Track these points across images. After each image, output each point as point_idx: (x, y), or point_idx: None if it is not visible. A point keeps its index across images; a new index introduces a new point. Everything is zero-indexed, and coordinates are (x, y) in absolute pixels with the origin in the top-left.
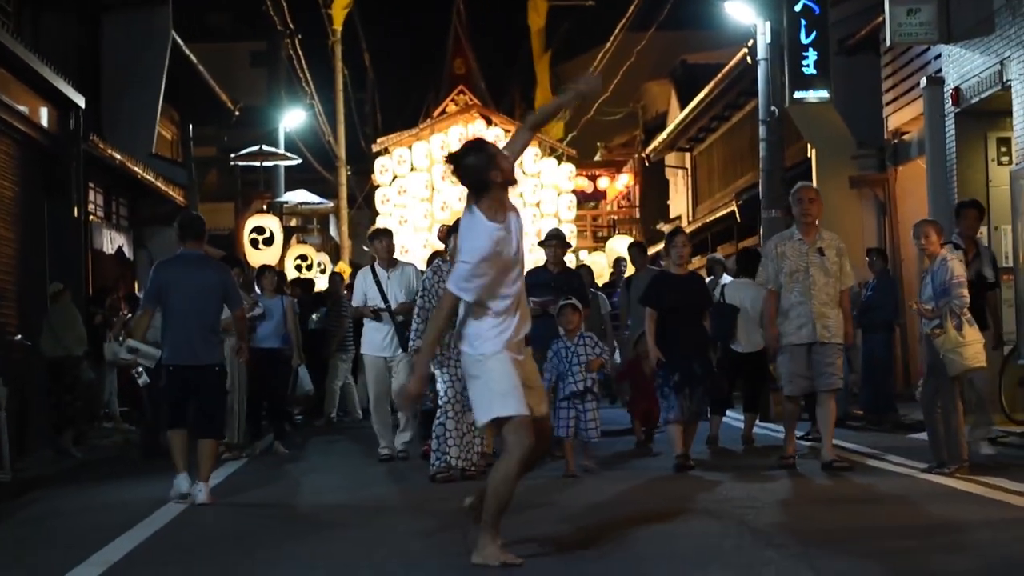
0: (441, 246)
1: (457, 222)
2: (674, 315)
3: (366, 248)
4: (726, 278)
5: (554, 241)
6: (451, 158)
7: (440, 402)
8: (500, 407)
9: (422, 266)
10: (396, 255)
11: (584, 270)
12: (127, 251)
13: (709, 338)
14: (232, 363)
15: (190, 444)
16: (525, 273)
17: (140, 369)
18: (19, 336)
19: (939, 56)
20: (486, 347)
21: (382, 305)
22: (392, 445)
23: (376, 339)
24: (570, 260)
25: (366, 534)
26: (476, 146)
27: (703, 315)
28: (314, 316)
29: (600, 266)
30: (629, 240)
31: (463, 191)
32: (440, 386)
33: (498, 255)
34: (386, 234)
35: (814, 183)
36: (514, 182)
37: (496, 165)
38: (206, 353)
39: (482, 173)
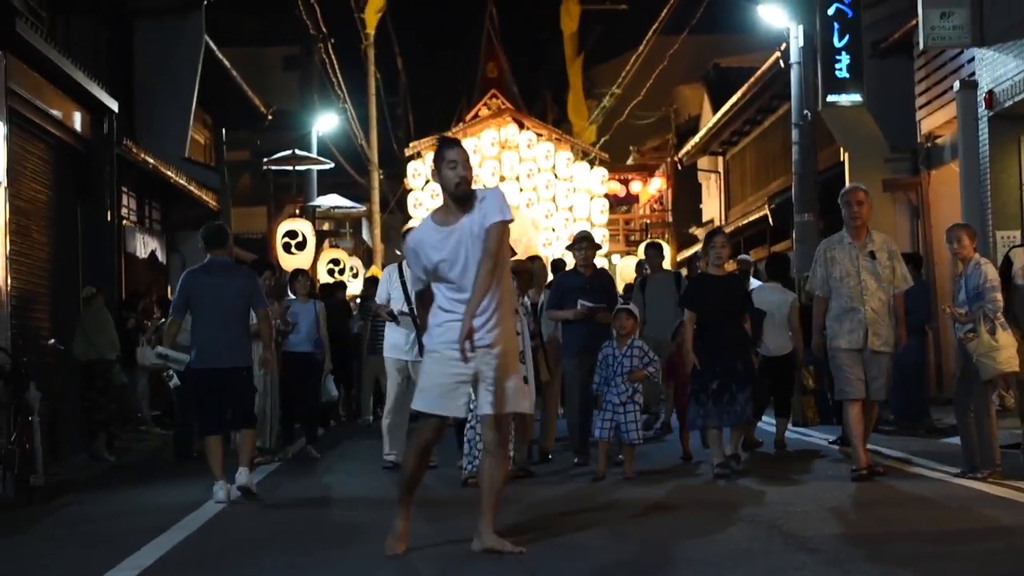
0: None
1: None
2: (714, 317)
3: (398, 252)
4: (754, 282)
5: (584, 243)
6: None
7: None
8: (417, 401)
9: None
10: None
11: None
12: (160, 255)
13: (750, 340)
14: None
15: (226, 447)
16: (558, 277)
17: (171, 372)
18: (52, 340)
19: (972, 59)
20: (429, 342)
21: (405, 307)
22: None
23: (399, 342)
24: (601, 265)
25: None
26: (446, 143)
27: (743, 317)
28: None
29: (632, 270)
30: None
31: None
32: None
33: (431, 253)
34: None
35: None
36: (465, 194)
37: (454, 171)
38: (233, 356)
39: (437, 172)
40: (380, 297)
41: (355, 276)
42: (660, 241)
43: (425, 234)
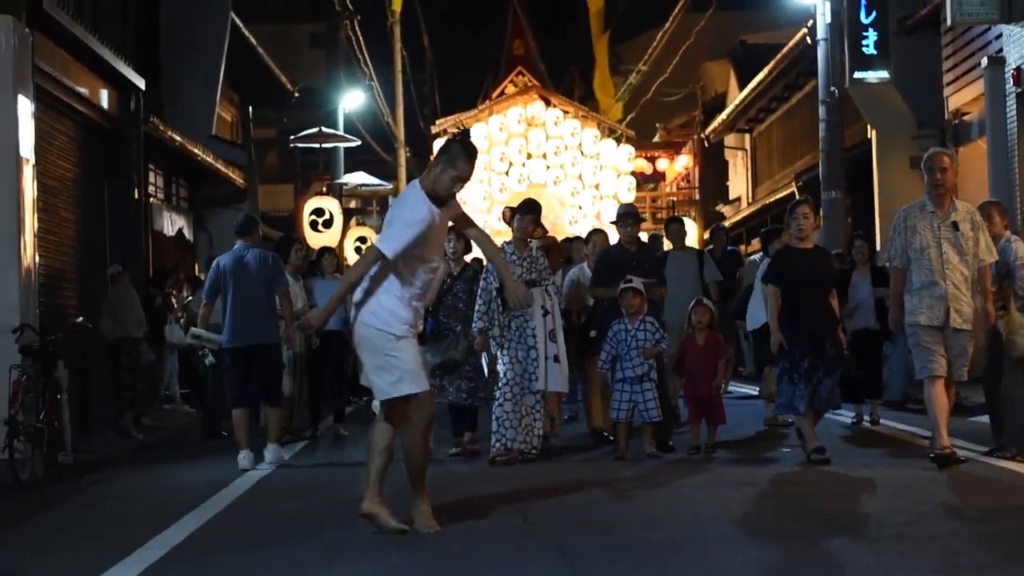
0: (503, 228)
1: (524, 203)
2: (799, 293)
3: None
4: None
5: (629, 220)
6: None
7: (499, 384)
8: (412, 385)
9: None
10: None
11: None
12: (187, 233)
13: (838, 318)
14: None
15: (255, 423)
16: (601, 253)
17: (206, 351)
18: (80, 318)
19: (1000, 36)
20: (399, 328)
21: None
22: None
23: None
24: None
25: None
26: (465, 142)
27: (831, 292)
28: None
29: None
30: (689, 222)
31: (525, 173)
32: (500, 367)
33: (430, 230)
34: None
35: (874, 164)
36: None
37: (462, 170)
38: (261, 333)
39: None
40: None
41: None
42: (682, 217)
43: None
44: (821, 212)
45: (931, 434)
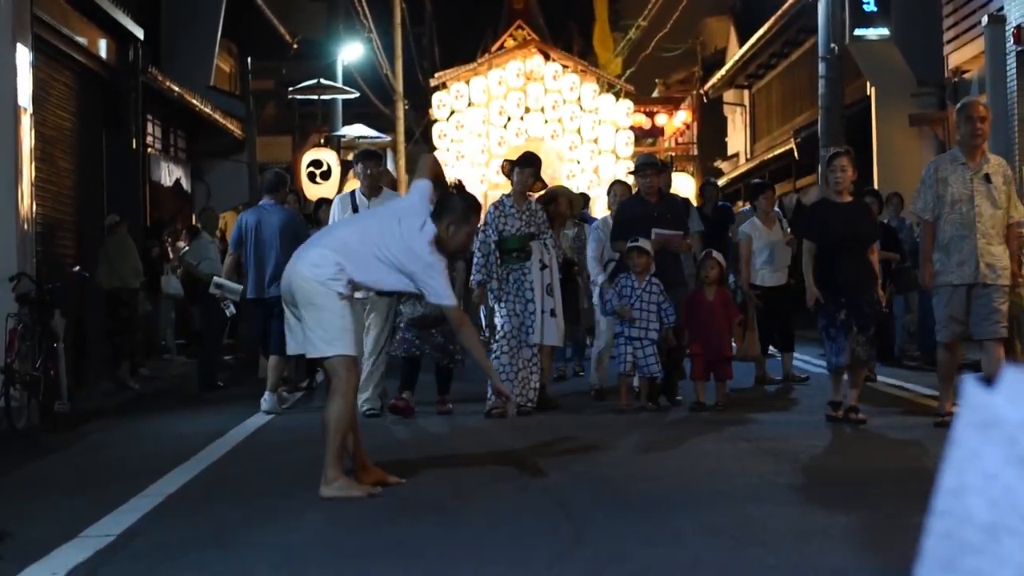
0: (501, 180)
1: (524, 156)
2: (838, 248)
3: None
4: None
5: (648, 169)
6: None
7: (496, 337)
8: (350, 345)
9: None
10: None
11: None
12: (185, 183)
13: (875, 274)
14: None
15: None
16: (621, 206)
17: (228, 301)
18: (77, 268)
19: None
20: (339, 287)
21: None
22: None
23: None
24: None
25: (419, 470)
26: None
27: (870, 248)
28: None
29: None
30: (687, 177)
31: (523, 127)
32: (497, 320)
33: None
34: (374, 157)
35: (873, 121)
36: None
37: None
38: (278, 286)
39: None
40: None
41: None
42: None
43: None
44: (820, 169)
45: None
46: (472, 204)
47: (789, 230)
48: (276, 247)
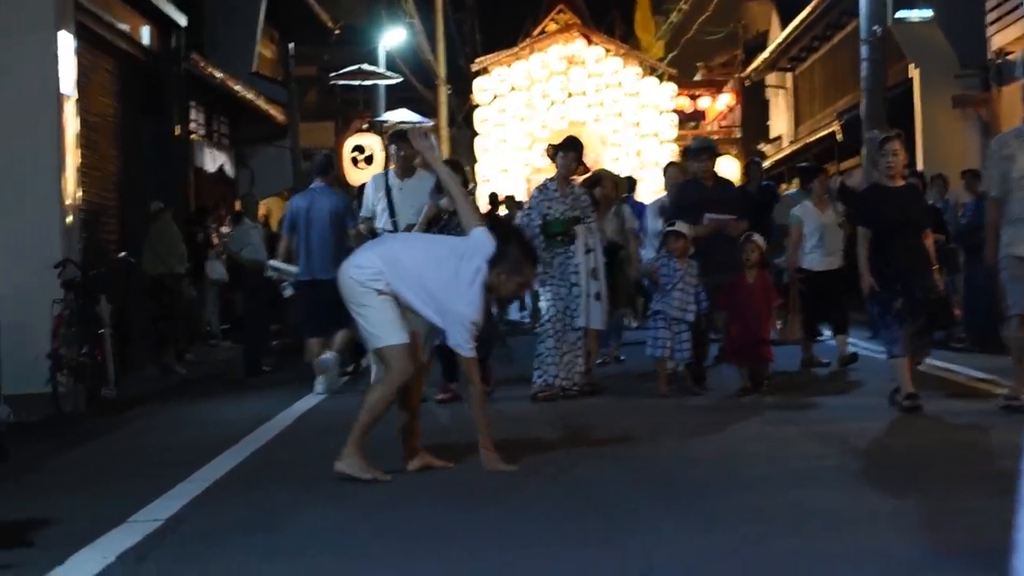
0: (545, 164)
1: (567, 140)
2: (891, 233)
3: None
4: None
5: (704, 154)
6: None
7: (541, 320)
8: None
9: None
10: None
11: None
12: (228, 170)
13: (931, 258)
14: None
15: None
16: (677, 189)
17: (286, 284)
18: (122, 253)
19: None
20: (379, 286)
21: (387, 224)
22: None
23: None
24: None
25: (463, 455)
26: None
27: (924, 232)
28: None
29: None
30: (730, 160)
31: (566, 111)
32: (542, 304)
33: None
34: (407, 138)
35: (917, 103)
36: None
37: (528, 275)
38: (332, 268)
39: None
40: (366, 211)
41: None
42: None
43: None
44: (863, 151)
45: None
46: (528, 255)
47: (843, 211)
48: (326, 229)
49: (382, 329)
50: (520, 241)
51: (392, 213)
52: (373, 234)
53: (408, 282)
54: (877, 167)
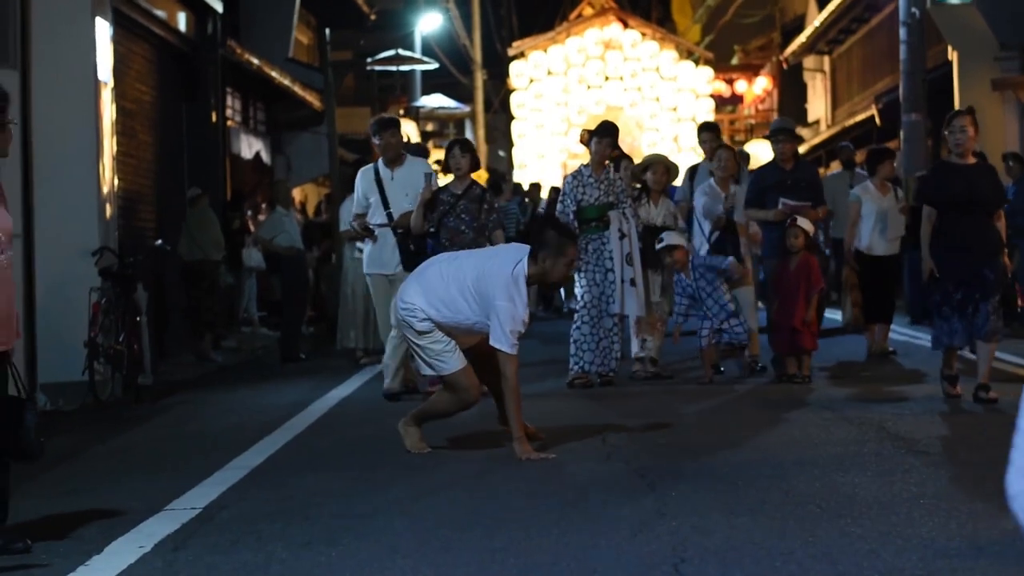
0: (580, 150)
1: (601, 125)
2: (960, 213)
3: (501, 153)
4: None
5: (781, 135)
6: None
7: (576, 307)
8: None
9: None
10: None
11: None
12: (265, 156)
13: (1002, 240)
14: (352, 271)
15: None
16: (755, 173)
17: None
18: (159, 241)
19: None
20: (423, 326)
21: (382, 217)
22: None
23: (382, 254)
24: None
25: (501, 440)
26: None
27: (996, 213)
28: None
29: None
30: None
31: (602, 96)
32: (577, 290)
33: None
34: (390, 126)
35: (956, 86)
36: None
37: (572, 253)
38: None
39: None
40: (358, 205)
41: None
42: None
43: None
44: (901, 135)
45: None
46: (567, 235)
47: (902, 196)
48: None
49: (438, 360)
50: (555, 224)
51: (386, 205)
52: (366, 230)
53: (450, 302)
54: (947, 144)
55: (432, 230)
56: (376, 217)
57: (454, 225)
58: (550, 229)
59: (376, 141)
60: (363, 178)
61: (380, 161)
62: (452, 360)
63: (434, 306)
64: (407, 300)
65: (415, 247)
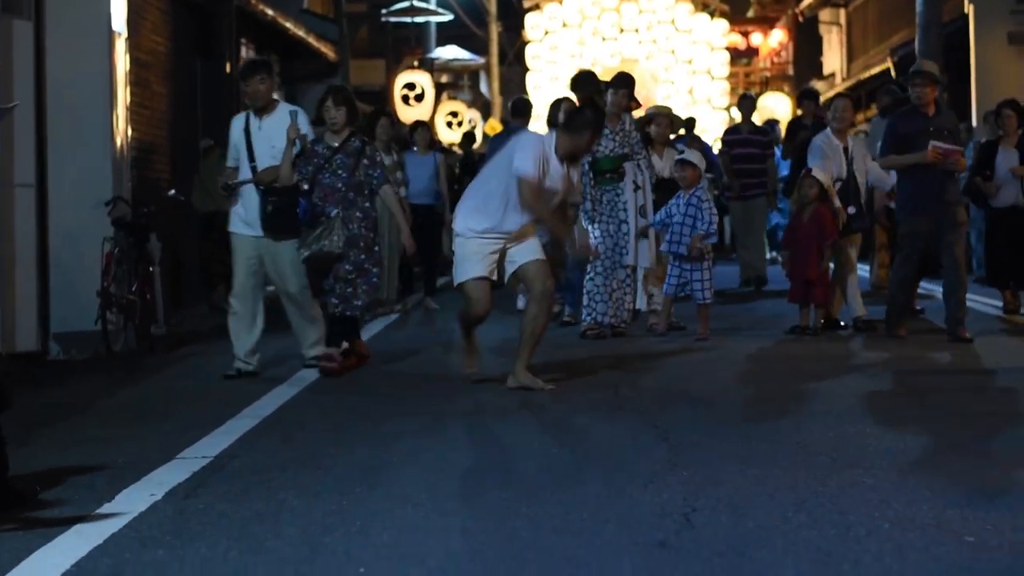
0: None
1: (617, 77)
2: None
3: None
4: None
5: (918, 79)
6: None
7: (591, 258)
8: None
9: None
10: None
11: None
12: None
13: None
14: (383, 219)
15: None
16: (894, 119)
17: None
18: (172, 191)
19: None
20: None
21: (247, 171)
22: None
23: (247, 212)
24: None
25: (516, 392)
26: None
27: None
28: None
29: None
30: (783, 97)
31: (618, 48)
32: (591, 241)
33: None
34: (259, 68)
35: (972, 39)
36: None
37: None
38: None
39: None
40: (230, 159)
41: (473, 128)
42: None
43: None
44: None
45: None
46: (600, 116)
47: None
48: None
49: (457, 267)
50: (595, 107)
51: (251, 158)
52: (227, 188)
53: (486, 198)
54: None
55: (307, 188)
56: (242, 171)
57: (329, 182)
58: (582, 115)
59: (244, 88)
60: (234, 127)
61: (252, 112)
62: (467, 270)
63: (473, 208)
64: (461, 228)
65: (272, 207)
